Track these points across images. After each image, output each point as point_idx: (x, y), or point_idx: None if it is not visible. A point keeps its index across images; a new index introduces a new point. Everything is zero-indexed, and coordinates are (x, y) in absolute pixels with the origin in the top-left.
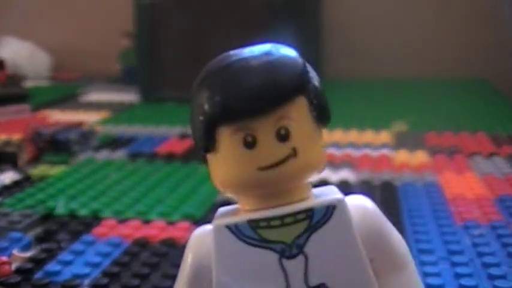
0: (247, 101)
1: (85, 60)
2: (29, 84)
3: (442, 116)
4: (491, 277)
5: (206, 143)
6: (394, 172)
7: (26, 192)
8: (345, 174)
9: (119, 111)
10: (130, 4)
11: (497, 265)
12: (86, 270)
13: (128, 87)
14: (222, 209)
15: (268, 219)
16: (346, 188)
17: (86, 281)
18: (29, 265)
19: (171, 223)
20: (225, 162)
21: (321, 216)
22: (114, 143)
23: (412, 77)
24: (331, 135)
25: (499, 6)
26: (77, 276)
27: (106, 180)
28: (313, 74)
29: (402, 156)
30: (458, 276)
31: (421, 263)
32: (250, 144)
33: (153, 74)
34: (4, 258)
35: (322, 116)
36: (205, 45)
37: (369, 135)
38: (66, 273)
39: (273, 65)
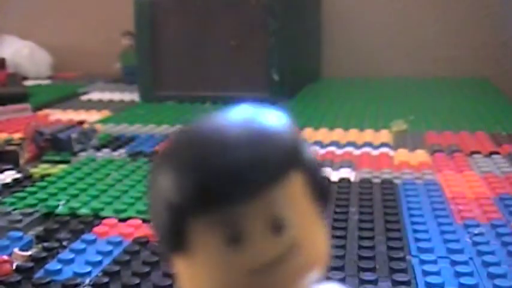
0: (229, 182)
1: (86, 59)
2: (29, 83)
3: (442, 115)
4: (491, 276)
5: (174, 242)
6: (394, 171)
7: (27, 191)
8: (345, 173)
9: (120, 111)
10: (131, 3)
11: (497, 264)
12: (87, 268)
13: (128, 86)
14: None
15: None
16: (346, 186)
17: (87, 280)
18: (30, 264)
19: None
20: (202, 266)
21: None
22: (114, 142)
23: (412, 76)
24: (331, 134)
25: (499, 5)
26: (78, 274)
27: (106, 179)
28: (306, 145)
29: (402, 155)
30: (458, 274)
31: (420, 262)
32: (235, 239)
33: (153, 73)
34: (5, 257)
35: (321, 196)
36: (205, 44)
37: (369, 134)
38: (67, 272)
39: (258, 134)
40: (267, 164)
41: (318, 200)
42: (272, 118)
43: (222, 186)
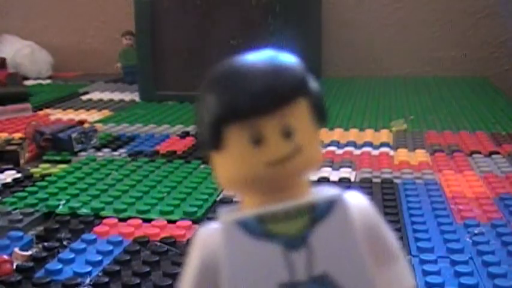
0: (254, 100)
1: (86, 59)
2: (30, 83)
3: (442, 115)
4: (492, 276)
5: (213, 142)
6: (394, 170)
7: (27, 191)
8: (346, 172)
9: (120, 110)
10: (131, 3)
11: (497, 264)
12: (87, 268)
13: (128, 86)
14: (223, 209)
15: (274, 213)
16: (346, 186)
17: (87, 280)
18: (30, 264)
19: (171, 221)
20: (232, 160)
21: (323, 210)
22: (115, 141)
23: (412, 76)
24: (332, 133)
25: (499, 5)
26: (78, 274)
27: (107, 179)
28: (312, 79)
29: (402, 154)
30: (458, 274)
31: (421, 262)
32: (257, 141)
33: (154, 73)
34: (5, 257)
35: (321, 117)
36: (205, 44)
37: (369, 134)
38: (67, 272)
39: (277, 69)
40: (283, 89)
41: (318, 120)
42: (288, 58)
43: (249, 102)
